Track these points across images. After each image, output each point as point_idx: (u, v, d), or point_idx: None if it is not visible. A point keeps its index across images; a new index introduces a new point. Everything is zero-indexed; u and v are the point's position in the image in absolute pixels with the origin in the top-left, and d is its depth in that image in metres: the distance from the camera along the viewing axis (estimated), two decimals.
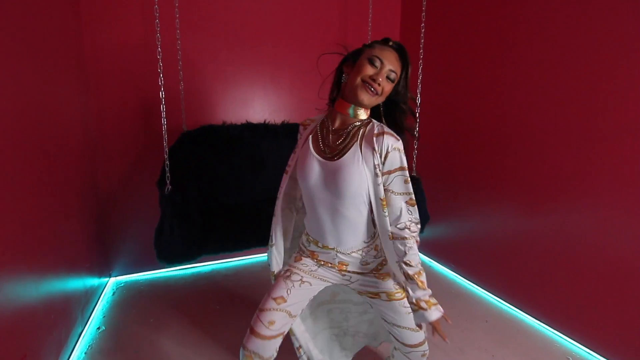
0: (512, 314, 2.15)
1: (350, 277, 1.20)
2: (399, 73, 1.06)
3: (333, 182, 1.05)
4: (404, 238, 1.06)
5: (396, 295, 1.17)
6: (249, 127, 2.24)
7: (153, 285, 2.47)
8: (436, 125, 2.88)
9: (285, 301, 1.11)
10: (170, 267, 2.06)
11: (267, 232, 1.63)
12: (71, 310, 1.79)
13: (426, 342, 1.22)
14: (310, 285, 1.17)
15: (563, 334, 1.92)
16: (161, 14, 1.99)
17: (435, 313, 1.06)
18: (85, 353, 1.76)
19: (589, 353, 1.79)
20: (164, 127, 1.74)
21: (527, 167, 2.06)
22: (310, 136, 1.15)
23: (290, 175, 1.21)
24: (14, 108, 1.32)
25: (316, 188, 1.09)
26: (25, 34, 1.44)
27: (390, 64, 1.04)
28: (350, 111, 1.08)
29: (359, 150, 1.05)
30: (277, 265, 1.27)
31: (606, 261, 1.71)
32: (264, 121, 2.33)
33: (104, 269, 2.42)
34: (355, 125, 1.09)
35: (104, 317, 2.08)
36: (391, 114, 1.13)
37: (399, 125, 1.13)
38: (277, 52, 2.71)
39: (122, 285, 2.47)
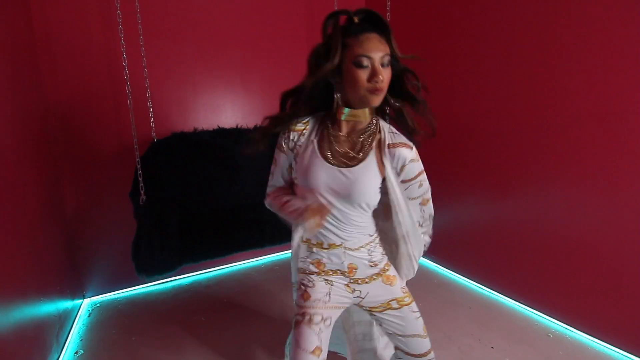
0: (493, 298, 2.23)
1: (361, 292, 1.14)
2: (389, 50, 0.94)
3: (346, 190, 1.02)
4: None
5: (405, 300, 1.15)
6: (221, 132, 2.20)
7: (132, 302, 2.36)
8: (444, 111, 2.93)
9: (322, 350, 1.02)
10: (150, 280, 1.98)
11: (247, 236, 1.59)
12: (45, 337, 1.68)
13: (432, 351, 1.19)
14: (331, 320, 1.10)
15: (542, 312, 2.01)
16: (123, 20, 1.92)
17: None
18: None
19: (566, 328, 1.88)
20: (135, 136, 1.67)
21: (498, 153, 2.14)
22: (316, 141, 1.06)
23: (288, 180, 1.15)
24: None
25: (325, 194, 1.03)
26: None
27: (377, 52, 0.91)
28: (361, 114, 1.01)
29: (375, 160, 1.03)
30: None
31: (574, 240, 1.80)
32: (237, 126, 2.29)
33: (77, 290, 2.30)
34: (367, 131, 1.04)
35: (81, 340, 1.97)
36: (397, 92, 1.04)
37: (409, 101, 1.05)
38: (245, 56, 2.68)
39: (97, 305, 2.35)
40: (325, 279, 1.12)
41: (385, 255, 1.18)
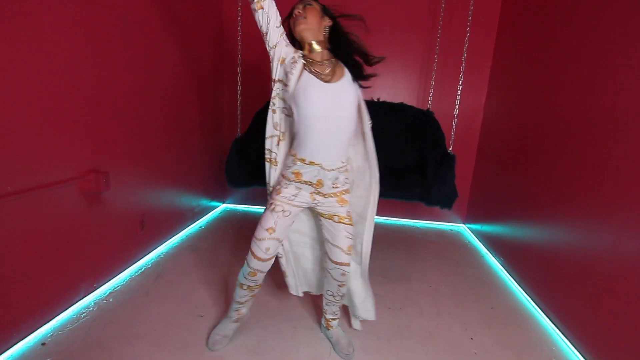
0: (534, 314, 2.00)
1: (318, 202, 1.50)
2: (312, 2, 1.42)
3: (338, 100, 1.39)
4: None
5: (344, 220, 1.50)
6: None
7: (246, 214, 3.37)
8: (506, 109, 2.70)
9: (275, 231, 1.42)
10: (236, 188, 2.80)
11: None
12: (186, 213, 2.80)
13: (349, 266, 1.52)
14: (290, 213, 1.46)
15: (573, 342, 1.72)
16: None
17: None
18: (186, 235, 2.74)
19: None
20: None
21: (609, 171, 1.62)
22: (304, 69, 1.39)
23: (288, 98, 1.43)
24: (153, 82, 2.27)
25: (321, 108, 1.38)
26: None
27: (299, 4, 1.42)
28: (312, 47, 1.43)
29: (350, 80, 1.43)
30: (273, 179, 1.59)
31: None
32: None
33: (219, 197, 3.46)
34: (331, 60, 1.44)
35: (207, 223, 3.07)
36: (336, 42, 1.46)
37: (345, 48, 1.46)
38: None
39: (228, 210, 3.47)
40: (296, 186, 1.45)
41: (347, 183, 1.51)
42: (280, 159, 1.53)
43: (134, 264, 2.21)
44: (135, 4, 2.02)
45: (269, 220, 1.45)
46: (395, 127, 2.70)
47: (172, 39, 2.42)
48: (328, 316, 1.68)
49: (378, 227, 3.25)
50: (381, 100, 2.69)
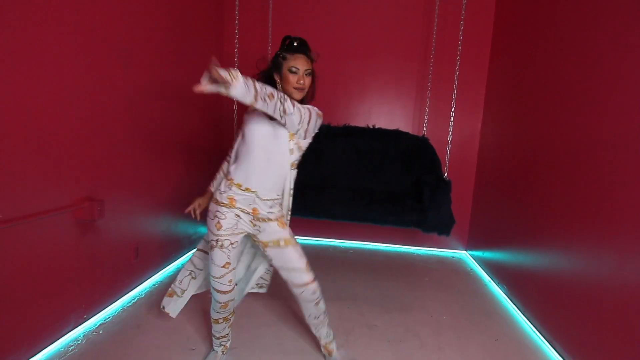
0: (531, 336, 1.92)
1: (260, 227, 1.49)
2: (310, 66, 1.45)
3: (273, 134, 1.44)
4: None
5: (291, 241, 1.51)
6: (350, 128, 2.68)
7: None
8: (502, 135, 2.71)
9: (230, 263, 1.47)
10: None
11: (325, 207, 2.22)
12: (182, 240, 2.78)
13: (316, 282, 1.53)
14: (238, 242, 1.50)
15: None
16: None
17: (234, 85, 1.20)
18: (182, 264, 2.70)
19: None
20: None
21: (608, 194, 1.59)
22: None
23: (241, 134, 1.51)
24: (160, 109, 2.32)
25: (261, 134, 1.44)
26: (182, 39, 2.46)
27: (304, 65, 1.43)
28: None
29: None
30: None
31: None
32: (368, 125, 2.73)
33: None
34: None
35: None
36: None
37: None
38: (364, 67, 3.17)
39: None
40: (235, 213, 1.47)
41: (280, 212, 1.53)
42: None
43: (126, 293, 2.16)
44: (136, 32, 2.09)
45: (222, 258, 1.47)
46: (391, 153, 2.71)
47: (173, 66, 2.49)
48: (323, 341, 1.68)
49: (377, 254, 3.20)
50: (376, 127, 2.72)
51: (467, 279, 2.79)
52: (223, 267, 1.46)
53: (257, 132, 1.43)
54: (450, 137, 2.50)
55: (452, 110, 2.48)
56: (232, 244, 1.47)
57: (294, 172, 1.53)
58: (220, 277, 1.47)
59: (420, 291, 2.51)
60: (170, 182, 2.56)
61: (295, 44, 1.45)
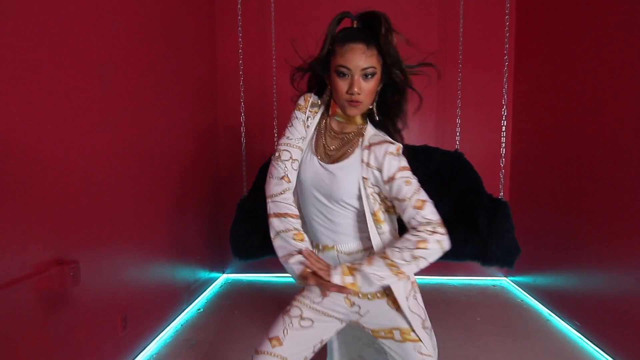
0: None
1: (360, 308, 1.05)
2: (375, 63, 0.95)
3: (327, 186, 1.01)
4: (418, 233, 0.92)
5: (411, 335, 1.03)
6: None
7: (251, 285, 2.84)
8: (539, 146, 2.40)
9: (281, 344, 0.99)
10: (244, 261, 2.33)
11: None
12: (180, 292, 2.29)
13: None
14: (312, 324, 1.03)
15: None
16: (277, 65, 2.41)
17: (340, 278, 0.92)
18: (181, 325, 2.20)
19: None
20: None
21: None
22: (315, 134, 1.08)
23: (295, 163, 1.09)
24: (144, 133, 1.89)
25: (310, 186, 1.04)
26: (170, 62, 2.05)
27: (358, 64, 0.93)
28: (350, 119, 1.04)
29: (358, 159, 1.01)
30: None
31: None
32: None
33: (217, 266, 2.95)
34: (354, 132, 1.05)
35: (206, 302, 2.54)
36: (384, 100, 1.03)
37: (394, 113, 1.04)
38: None
39: (229, 281, 2.94)
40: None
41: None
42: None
43: None
44: (115, 49, 1.68)
45: (276, 327, 1.03)
46: (421, 172, 2.33)
47: (160, 88, 2.08)
48: None
49: None
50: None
51: (523, 314, 2.37)
52: (269, 340, 1.00)
53: (309, 180, 1.06)
54: (503, 151, 2.15)
55: (503, 119, 2.14)
56: (302, 318, 1.03)
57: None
58: (257, 354, 1.00)
59: (478, 335, 2.07)
60: (162, 221, 2.10)
61: (356, 25, 0.97)
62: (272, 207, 1.03)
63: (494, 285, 2.86)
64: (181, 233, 2.32)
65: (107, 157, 1.62)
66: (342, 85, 0.96)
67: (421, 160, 2.34)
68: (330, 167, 1.01)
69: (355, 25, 0.98)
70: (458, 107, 2.44)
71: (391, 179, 0.96)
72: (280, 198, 1.03)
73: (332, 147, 1.04)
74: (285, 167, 1.03)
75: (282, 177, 1.03)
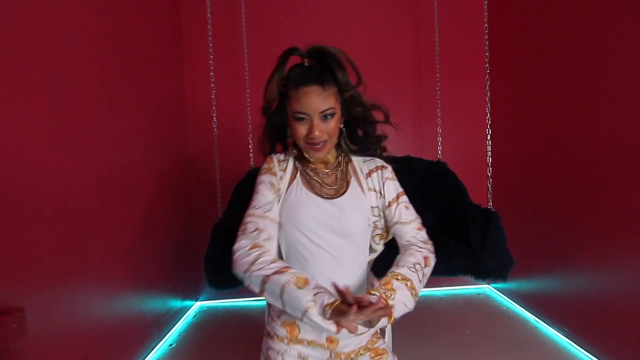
0: None
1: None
2: (333, 103, 0.88)
3: (338, 221, 0.92)
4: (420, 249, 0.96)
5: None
6: None
7: (229, 312, 2.64)
8: (519, 150, 2.43)
9: None
10: (221, 291, 2.16)
11: None
12: (149, 327, 2.05)
13: None
14: None
15: None
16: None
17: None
18: None
19: None
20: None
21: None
22: (298, 178, 0.97)
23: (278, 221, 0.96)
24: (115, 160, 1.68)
25: (318, 231, 0.92)
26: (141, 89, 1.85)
27: (316, 107, 0.86)
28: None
29: (359, 188, 0.98)
30: None
31: None
32: None
33: (190, 294, 2.71)
34: (341, 162, 1.00)
35: (179, 335, 2.30)
36: (353, 134, 1.00)
37: (371, 142, 1.01)
38: None
39: (204, 309, 2.72)
40: (298, 351, 0.92)
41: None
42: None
43: None
44: (70, 63, 1.48)
45: None
46: (406, 184, 2.28)
47: (125, 107, 1.88)
48: None
49: None
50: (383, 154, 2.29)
51: (511, 323, 2.34)
52: None
53: (310, 213, 0.98)
54: (489, 159, 2.13)
55: (488, 127, 2.12)
56: None
57: None
58: None
59: (472, 351, 2.01)
60: (127, 251, 1.87)
61: (301, 67, 0.91)
62: (254, 279, 0.82)
63: (477, 294, 2.84)
64: (149, 261, 2.10)
65: (61, 181, 1.41)
66: (302, 129, 0.90)
67: (405, 171, 2.28)
68: (339, 201, 0.95)
69: (306, 64, 0.92)
70: (438, 117, 2.41)
71: (392, 204, 0.99)
72: (259, 263, 0.83)
73: (329, 182, 0.98)
74: (253, 238, 0.88)
75: (251, 248, 0.85)
